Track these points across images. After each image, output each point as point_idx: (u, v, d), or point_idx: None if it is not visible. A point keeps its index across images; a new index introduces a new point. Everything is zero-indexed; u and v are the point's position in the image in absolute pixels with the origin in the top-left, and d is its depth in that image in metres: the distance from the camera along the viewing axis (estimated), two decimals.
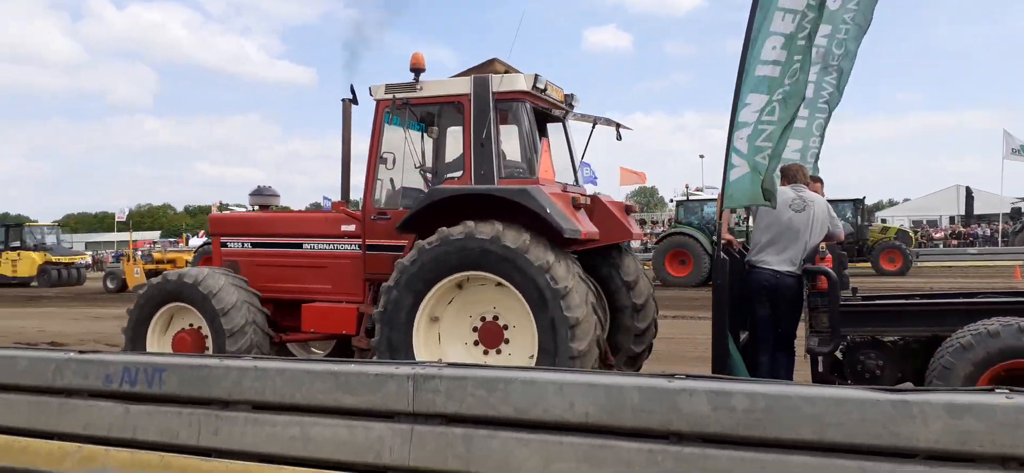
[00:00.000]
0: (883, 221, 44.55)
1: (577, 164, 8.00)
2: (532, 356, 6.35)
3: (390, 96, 7.05)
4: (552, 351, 6.13)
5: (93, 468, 5.01)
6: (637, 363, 7.86)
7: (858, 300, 6.33)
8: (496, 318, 6.68)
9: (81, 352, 5.63)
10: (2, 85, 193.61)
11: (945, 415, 3.42)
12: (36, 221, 35.52)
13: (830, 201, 24.84)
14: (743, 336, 6.58)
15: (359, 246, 7.51)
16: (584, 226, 6.54)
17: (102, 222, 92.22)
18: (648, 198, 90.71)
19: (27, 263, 31.85)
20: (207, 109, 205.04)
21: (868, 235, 27.66)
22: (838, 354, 6.03)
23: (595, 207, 7.39)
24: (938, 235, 51.46)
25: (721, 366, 5.97)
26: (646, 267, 25.56)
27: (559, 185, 7.16)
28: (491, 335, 6.67)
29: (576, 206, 6.66)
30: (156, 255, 30.11)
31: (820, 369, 5.90)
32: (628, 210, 7.79)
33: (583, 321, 6.14)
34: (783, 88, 5.69)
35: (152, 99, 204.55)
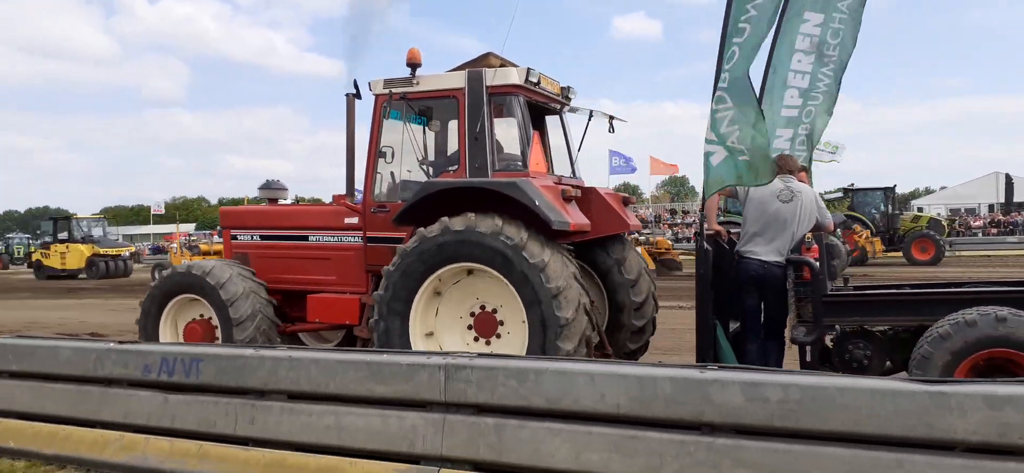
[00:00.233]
0: (920, 209, 43.76)
1: (574, 156, 8.02)
2: (523, 346, 6.42)
3: (388, 91, 7.18)
4: (541, 346, 6.20)
5: (133, 456, 5.13)
6: (633, 358, 7.85)
7: (849, 290, 6.34)
8: (492, 310, 6.76)
9: (121, 342, 5.75)
10: (41, 80, 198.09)
11: (984, 407, 3.37)
12: (75, 214, 36.02)
13: (860, 189, 24.26)
14: (734, 326, 6.62)
15: (361, 238, 7.66)
16: (574, 218, 6.58)
17: (138, 215, 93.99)
18: (679, 188, 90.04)
19: (75, 255, 32.34)
20: (237, 102, 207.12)
21: (899, 224, 27.17)
22: (828, 343, 6.07)
23: (592, 199, 7.44)
24: (977, 223, 50.43)
25: (704, 356, 6.03)
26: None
27: (552, 177, 7.21)
28: (486, 325, 6.75)
29: (566, 198, 6.69)
30: (202, 246, 30.51)
31: (808, 359, 5.93)
32: (626, 202, 7.81)
33: (573, 322, 6.20)
34: (723, 77, 6.05)
35: (184, 93, 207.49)
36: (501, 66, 7.08)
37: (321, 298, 7.70)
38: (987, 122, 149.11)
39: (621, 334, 7.73)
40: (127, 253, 34.76)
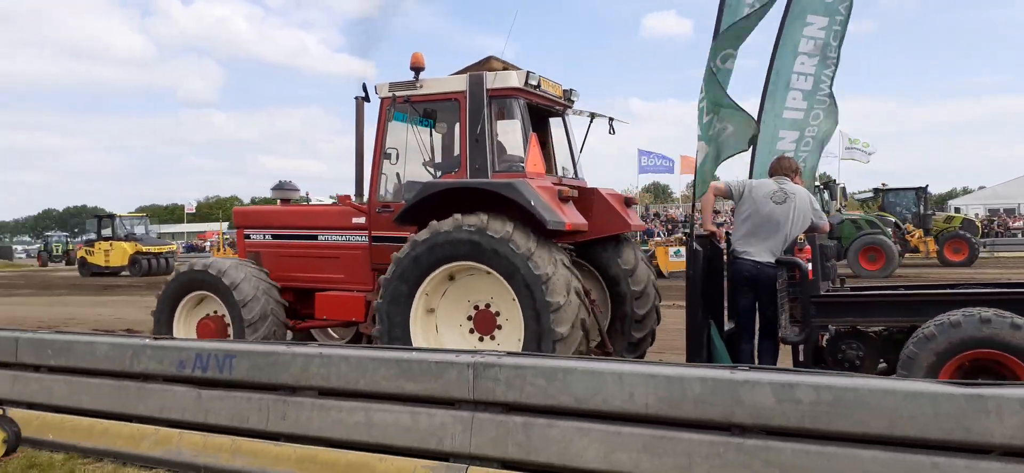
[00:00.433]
0: (957, 210, 42.91)
1: (576, 157, 8.13)
2: (520, 340, 6.53)
3: (392, 94, 7.34)
4: (537, 334, 6.31)
5: (168, 450, 5.22)
6: (639, 350, 7.95)
7: (843, 291, 6.35)
8: (488, 306, 6.86)
9: (156, 338, 5.85)
10: (79, 82, 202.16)
11: (1021, 410, 3.30)
12: (119, 213, 36.54)
13: (891, 189, 23.81)
14: (729, 326, 6.71)
15: (367, 238, 7.82)
16: (570, 218, 6.67)
17: (172, 213, 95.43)
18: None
19: (119, 253, 32.82)
20: (270, 103, 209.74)
21: (932, 225, 26.61)
22: (822, 343, 6.09)
23: (594, 199, 7.55)
24: (1016, 224, 49.33)
25: (695, 356, 6.09)
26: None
27: (551, 178, 7.30)
28: (485, 322, 6.86)
29: (563, 199, 6.79)
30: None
31: (801, 358, 5.97)
32: (628, 202, 7.89)
33: (565, 306, 6.28)
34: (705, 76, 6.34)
35: (218, 94, 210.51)
36: (504, 69, 7.20)
37: (329, 296, 7.86)
38: None
39: (625, 326, 7.82)
40: (169, 251, 35.19)
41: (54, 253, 53.81)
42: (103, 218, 34.85)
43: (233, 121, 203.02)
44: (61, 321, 14.76)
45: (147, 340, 5.76)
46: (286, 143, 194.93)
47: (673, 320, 8.49)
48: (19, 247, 78.03)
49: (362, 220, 7.84)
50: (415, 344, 6.68)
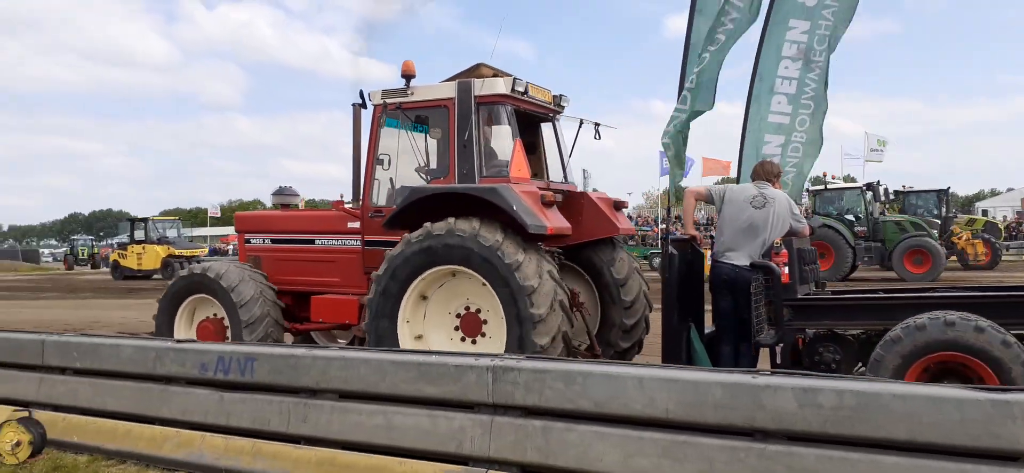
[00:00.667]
0: (984, 212, 42.28)
1: (566, 162, 8.26)
2: (503, 344, 6.59)
3: (383, 101, 7.55)
4: (519, 342, 6.40)
5: (190, 453, 5.26)
6: (626, 358, 7.96)
7: (823, 294, 6.42)
8: (476, 310, 6.99)
9: (179, 342, 5.91)
10: (105, 88, 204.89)
11: None
12: (152, 216, 36.77)
13: (912, 191, 23.37)
14: (711, 329, 6.85)
15: (360, 242, 7.99)
16: (552, 222, 6.76)
17: (195, 217, 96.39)
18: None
19: (151, 256, 32.98)
20: (293, 107, 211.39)
21: (953, 228, 26.17)
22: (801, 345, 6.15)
23: (583, 203, 7.72)
24: None
25: (671, 358, 6.23)
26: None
27: (537, 182, 7.40)
28: (471, 324, 6.98)
29: (546, 203, 6.87)
30: None
31: (778, 360, 6.03)
32: (618, 206, 8.02)
33: (547, 318, 6.39)
34: (690, 79, 6.70)
35: (242, 98, 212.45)
36: (494, 76, 7.32)
37: (324, 299, 8.02)
38: None
39: (612, 334, 7.92)
40: (201, 254, 35.37)
41: (80, 257, 54.49)
42: (136, 222, 35.11)
43: (256, 125, 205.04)
44: (87, 324, 14.96)
45: (170, 343, 5.81)
46: (309, 147, 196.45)
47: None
48: (46, 251, 79.25)
49: (357, 225, 7.99)
50: (401, 342, 6.84)
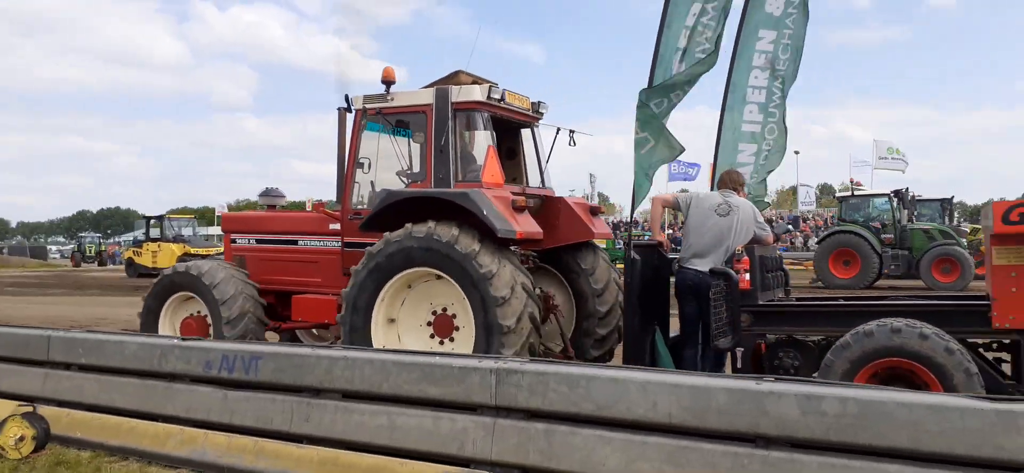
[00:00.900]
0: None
1: (543, 167, 8.46)
2: (474, 341, 6.75)
3: (363, 106, 7.76)
4: (486, 328, 6.57)
5: (193, 450, 5.27)
6: (603, 359, 8.08)
7: (781, 301, 6.57)
8: (446, 310, 7.15)
9: (184, 339, 5.92)
10: (116, 88, 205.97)
11: None
12: (143, 215, 36.83)
13: (917, 200, 22.86)
14: (674, 333, 7.05)
15: (341, 243, 8.16)
16: (522, 226, 6.88)
17: (203, 217, 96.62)
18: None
19: (167, 254, 32.62)
20: (303, 108, 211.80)
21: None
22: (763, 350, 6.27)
23: (560, 208, 7.92)
24: None
25: (634, 361, 6.44)
26: (807, 267, 23.94)
27: (510, 187, 7.57)
28: (444, 326, 7.13)
29: (518, 208, 7.02)
30: None
31: (738, 365, 6.15)
32: (595, 212, 8.16)
33: (510, 299, 6.54)
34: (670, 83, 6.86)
35: (252, 99, 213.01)
36: (473, 83, 7.49)
37: (305, 298, 8.21)
38: None
39: (587, 339, 8.04)
40: (217, 253, 35.25)
41: (87, 254, 54.71)
42: (151, 219, 35.11)
43: (266, 126, 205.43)
44: (93, 321, 15.01)
45: (175, 341, 5.83)
46: (318, 148, 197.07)
47: None
48: (53, 248, 79.51)
49: (338, 226, 8.17)
50: (375, 342, 6.98)
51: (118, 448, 5.57)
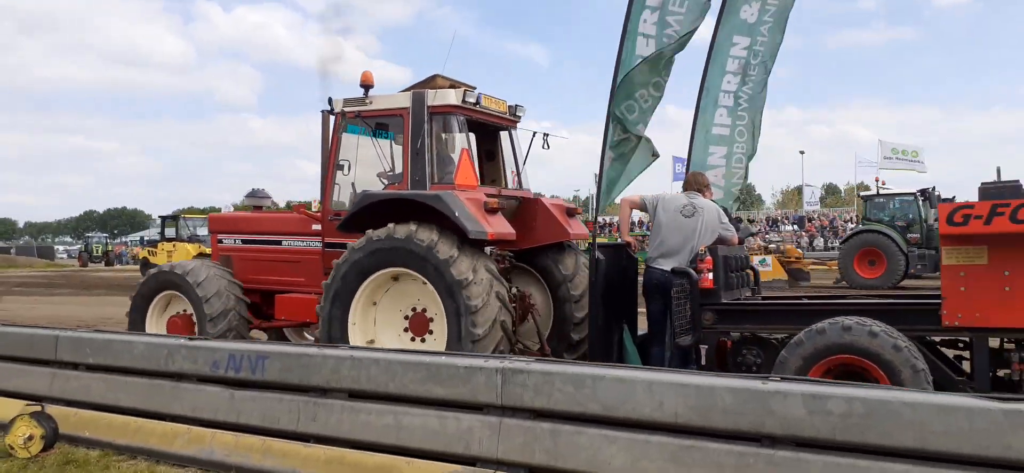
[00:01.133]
0: None
1: (520, 169, 8.61)
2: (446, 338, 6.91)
3: (343, 109, 7.91)
4: (458, 334, 6.71)
5: (200, 449, 5.29)
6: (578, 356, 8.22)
7: (744, 300, 6.69)
8: (423, 310, 7.29)
9: (191, 339, 5.95)
10: (121, 87, 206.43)
11: None
12: (151, 215, 37.01)
13: (941, 200, 22.48)
14: (643, 331, 7.25)
15: (322, 243, 8.34)
16: (494, 227, 7.03)
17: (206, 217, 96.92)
18: (745, 196, 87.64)
19: (182, 254, 32.46)
20: (307, 108, 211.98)
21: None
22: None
23: (537, 210, 8.11)
24: None
25: (601, 358, 6.68)
26: (831, 267, 23.70)
27: (484, 190, 7.71)
28: (419, 324, 7.28)
29: (490, 210, 7.17)
30: None
31: (702, 362, 6.30)
32: (571, 213, 8.32)
33: (483, 308, 6.70)
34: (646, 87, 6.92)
35: (256, 99, 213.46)
36: (451, 86, 7.64)
37: (288, 298, 8.36)
38: None
39: (563, 338, 8.18)
40: None
41: (94, 254, 54.89)
42: (167, 219, 35.18)
43: (270, 126, 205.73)
44: (100, 320, 15.07)
45: (182, 340, 5.85)
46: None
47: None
48: (60, 248, 79.87)
49: (319, 227, 8.32)
50: (351, 338, 7.12)
51: (126, 447, 5.60)
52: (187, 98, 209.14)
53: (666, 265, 6.67)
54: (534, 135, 8.79)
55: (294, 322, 8.63)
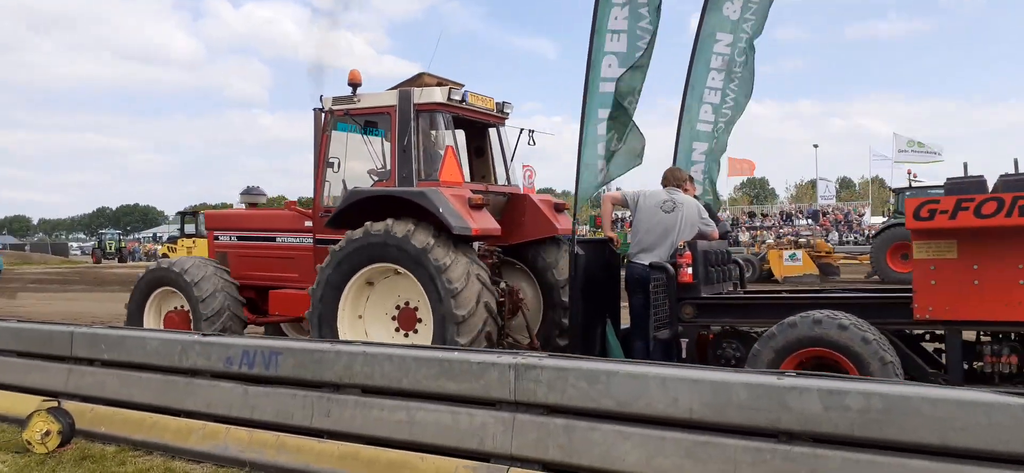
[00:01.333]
0: None
1: (508, 165, 8.72)
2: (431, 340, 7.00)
3: (331, 107, 8.03)
4: (441, 318, 6.80)
5: (215, 445, 5.31)
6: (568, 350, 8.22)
7: (724, 294, 6.77)
8: (409, 304, 7.40)
9: (205, 335, 5.97)
10: (135, 85, 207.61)
11: None
12: (164, 212, 37.26)
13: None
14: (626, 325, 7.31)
15: (313, 240, 8.44)
16: (478, 223, 7.11)
17: None
18: (758, 190, 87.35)
19: (202, 250, 32.96)
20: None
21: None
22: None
23: (525, 205, 8.21)
24: None
25: (584, 349, 6.75)
26: (862, 261, 23.74)
27: (470, 186, 7.81)
28: (407, 318, 7.39)
29: (474, 206, 7.24)
30: None
31: (684, 355, 6.41)
32: (559, 208, 8.40)
33: (464, 290, 6.78)
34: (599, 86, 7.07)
35: (266, 94, 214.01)
36: (438, 85, 7.72)
37: (281, 293, 8.48)
38: None
39: (553, 332, 8.23)
40: None
41: (108, 250, 55.24)
42: (187, 215, 35.27)
43: (281, 121, 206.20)
44: (114, 317, 15.13)
45: (196, 336, 5.87)
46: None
47: None
48: (74, 244, 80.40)
49: (311, 224, 8.42)
50: (341, 331, 7.23)
51: (142, 442, 5.63)
52: (198, 95, 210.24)
53: (646, 260, 6.72)
54: (521, 132, 8.92)
55: (287, 317, 8.74)
